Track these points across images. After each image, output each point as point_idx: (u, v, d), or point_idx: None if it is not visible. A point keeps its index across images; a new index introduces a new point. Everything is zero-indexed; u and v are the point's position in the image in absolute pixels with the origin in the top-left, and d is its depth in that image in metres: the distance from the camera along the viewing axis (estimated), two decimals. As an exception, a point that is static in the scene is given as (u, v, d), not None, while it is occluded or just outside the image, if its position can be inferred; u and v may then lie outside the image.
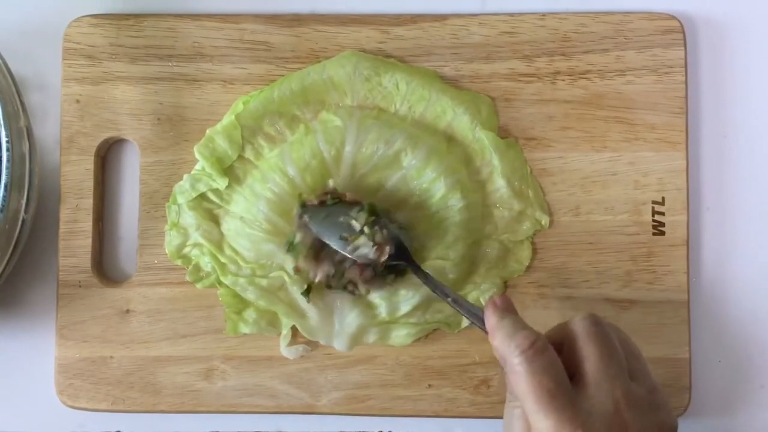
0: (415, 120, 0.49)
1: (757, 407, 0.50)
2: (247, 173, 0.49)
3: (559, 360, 0.39)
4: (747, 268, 0.50)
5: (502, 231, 0.49)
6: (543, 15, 0.50)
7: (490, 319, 0.41)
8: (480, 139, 0.48)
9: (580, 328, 0.40)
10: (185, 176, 0.49)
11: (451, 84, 0.49)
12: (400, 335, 0.48)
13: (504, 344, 0.40)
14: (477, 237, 0.48)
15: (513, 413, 0.40)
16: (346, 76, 0.48)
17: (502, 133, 0.49)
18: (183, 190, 0.48)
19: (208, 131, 0.49)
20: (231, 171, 0.48)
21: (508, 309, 0.42)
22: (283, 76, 0.49)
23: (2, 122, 0.43)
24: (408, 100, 0.49)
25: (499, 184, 0.48)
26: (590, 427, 0.38)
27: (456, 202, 0.47)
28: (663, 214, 0.49)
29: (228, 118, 0.49)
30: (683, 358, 0.48)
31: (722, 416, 0.50)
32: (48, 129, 0.50)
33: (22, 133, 0.44)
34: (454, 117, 0.48)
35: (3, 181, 0.42)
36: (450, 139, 0.49)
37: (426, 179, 0.47)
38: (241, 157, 0.48)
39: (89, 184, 0.49)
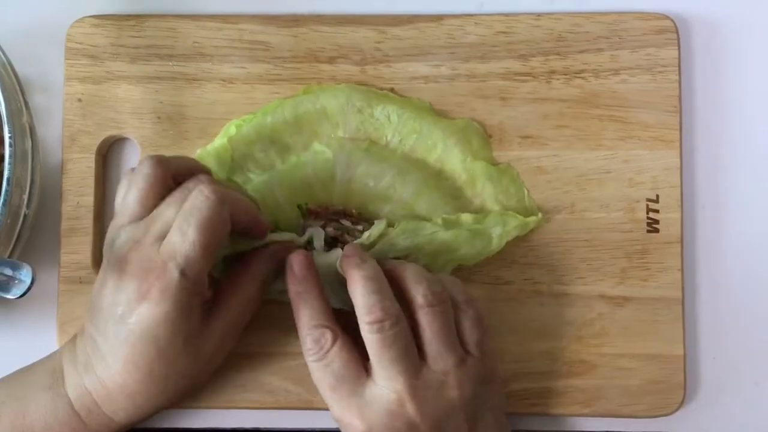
0: (405, 153, 0.49)
1: (751, 404, 0.50)
2: None
3: (345, 356, 0.42)
4: (741, 266, 0.50)
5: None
6: (538, 15, 0.50)
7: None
8: (471, 169, 0.49)
9: (361, 316, 0.42)
10: None
11: (443, 115, 0.50)
12: None
13: (301, 333, 0.43)
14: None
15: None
16: (339, 107, 0.49)
17: (498, 132, 0.50)
18: None
19: (198, 151, 0.49)
20: None
21: (306, 278, 0.44)
22: (280, 75, 0.50)
23: (6, 119, 0.43)
24: (399, 132, 0.49)
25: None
26: (369, 415, 0.41)
27: (445, 235, 0.47)
28: (657, 211, 0.49)
29: (219, 141, 0.49)
30: (677, 355, 0.48)
31: (716, 413, 0.50)
32: (50, 127, 0.51)
33: (24, 130, 0.45)
34: (445, 149, 0.49)
35: (5, 177, 0.43)
36: (440, 172, 0.49)
37: (415, 214, 0.48)
38: (229, 179, 0.49)
39: (90, 181, 0.50)
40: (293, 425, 0.50)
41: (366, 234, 0.46)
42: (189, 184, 0.43)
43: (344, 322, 0.44)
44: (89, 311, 0.44)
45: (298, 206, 0.48)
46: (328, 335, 0.42)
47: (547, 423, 0.49)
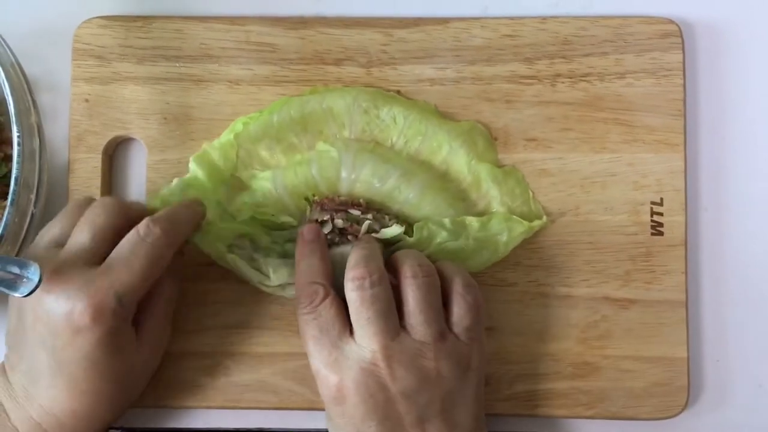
0: (410, 155, 0.49)
1: (755, 407, 0.50)
2: (235, 195, 0.49)
3: (333, 312, 0.43)
4: (744, 269, 0.50)
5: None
6: (544, 19, 0.51)
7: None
8: (476, 171, 0.49)
9: (348, 279, 0.43)
10: (175, 181, 0.49)
11: (448, 117, 0.50)
12: None
13: (296, 288, 0.45)
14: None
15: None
16: (345, 107, 0.49)
17: (503, 134, 0.50)
18: (171, 193, 0.48)
19: (204, 145, 0.50)
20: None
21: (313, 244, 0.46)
22: (287, 77, 0.50)
23: (14, 118, 0.44)
24: (405, 134, 0.49)
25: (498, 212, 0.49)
26: (345, 387, 0.42)
27: (454, 245, 0.47)
28: (661, 214, 0.49)
29: (226, 137, 0.49)
30: (681, 357, 0.48)
31: (720, 416, 0.50)
32: (58, 127, 0.51)
33: (33, 129, 0.45)
34: (450, 151, 0.49)
35: (14, 175, 0.43)
36: (445, 174, 0.49)
37: (421, 215, 0.48)
38: (233, 176, 0.49)
39: (97, 181, 0.50)
40: (297, 425, 0.50)
41: (383, 230, 0.47)
42: (96, 208, 0.44)
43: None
44: (11, 342, 0.44)
45: (305, 198, 0.49)
46: (321, 292, 0.44)
47: (550, 425, 0.49)
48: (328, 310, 0.43)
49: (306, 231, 0.46)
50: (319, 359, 0.43)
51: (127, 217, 0.44)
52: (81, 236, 0.43)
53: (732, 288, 0.50)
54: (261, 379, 0.49)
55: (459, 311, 0.44)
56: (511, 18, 0.51)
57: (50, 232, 0.45)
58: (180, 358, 0.49)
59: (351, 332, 0.43)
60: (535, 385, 0.49)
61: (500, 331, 0.49)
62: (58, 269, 0.42)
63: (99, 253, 0.43)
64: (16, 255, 0.46)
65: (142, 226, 0.43)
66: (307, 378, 0.49)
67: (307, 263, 0.45)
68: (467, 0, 0.52)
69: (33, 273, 0.39)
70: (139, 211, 0.45)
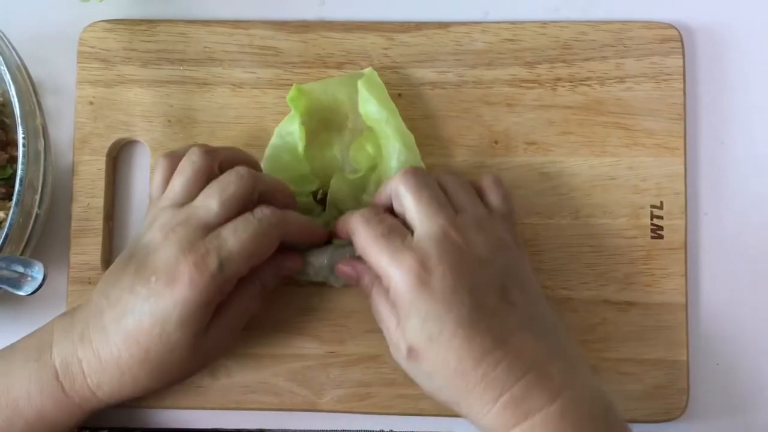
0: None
1: (755, 410, 0.50)
2: None
3: (392, 218, 0.44)
4: (744, 272, 0.50)
5: None
6: (544, 23, 0.51)
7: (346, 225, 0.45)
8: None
9: (394, 188, 0.45)
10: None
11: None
12: None
13: (351, 222, 0.44)
14: None
15: (376, 299, 0.44)
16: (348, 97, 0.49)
17: (504, 138, 0.50)
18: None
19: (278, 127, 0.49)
20: None
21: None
22: (290, 80, 0.51)
23: (20, 120, 0.44)
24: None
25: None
26: (428, 260, 0.41)
27: None
28: (661, 218, 0.50)
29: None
30: (681, 360, 0.49)
31: (720, 419, 0.50)
32: (62, 130, 0.52)
33: (38, 131, 0.46)
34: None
35: (18, 177, 0.43)
36: None
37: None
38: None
39: (101, 183, 0.51)
40: (298, 427, 0.50)
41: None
42: (231, 176, 0.44)
43: None
44: (103, 283, 0.44)
45: (313, 193, 0.49)
46: (385, 214, 0.45)
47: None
48: (394, 219, 0.44)
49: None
50: (389, 252, 0.42)
51: (254, 190, 0.45)
52: (209, 201, 0.43)
53: (732, 291, 0.50)
54: (262, 380, 0.49)
55: (495, 199, 0.47)
56: (512, 22, 0.51)
57: (172, 191, 0.45)
58: (182, 358, 0.49)
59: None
60: (535, 388, 0.49)
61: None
62: (182, 223, 0.43)
63: (220, 221, 0.43)
64: (20, 254, 0.46)
65: (258, 209, 0.44)
66: (308, 379, 0.49)
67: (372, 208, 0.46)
68: (468, 4, 0.52)
69: (37, 272, 0.40)
70: (267, 184, 0.46)
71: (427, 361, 0.42)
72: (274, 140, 0.49)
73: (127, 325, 0.42)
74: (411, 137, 0.48)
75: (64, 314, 0.46)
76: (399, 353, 0.43)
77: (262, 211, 0.44)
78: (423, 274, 0.41)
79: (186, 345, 0.43)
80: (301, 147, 0.48)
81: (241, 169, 0.45)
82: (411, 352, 0.42)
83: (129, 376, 0.43)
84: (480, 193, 0.47)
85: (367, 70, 0.49)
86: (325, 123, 0.50)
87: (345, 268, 0.46)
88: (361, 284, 0.46)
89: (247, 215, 0.44)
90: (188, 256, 0.42)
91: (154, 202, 0.46)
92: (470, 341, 0.41)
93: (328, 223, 0.48)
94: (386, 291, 0.43)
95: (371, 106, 0.47)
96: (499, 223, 0.45)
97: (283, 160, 0.49)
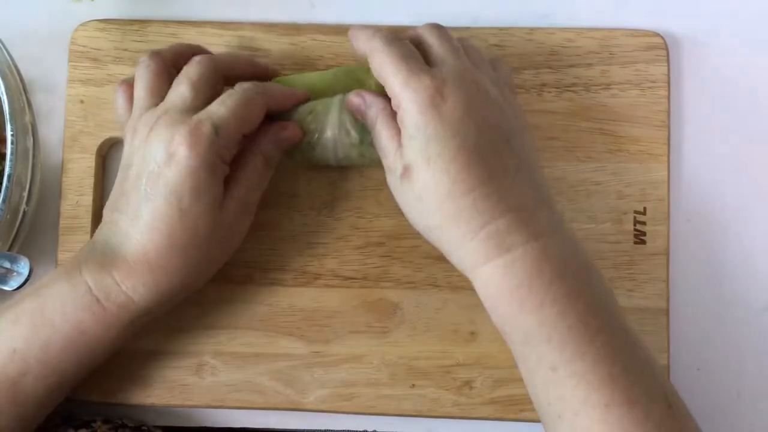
0: None
1: (735, 415, 0.50)
2: None
3: (412, 45, 0.44)
4: (726, 278, 0.51)
5: None
6: (531, 29, 0.52)
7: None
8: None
9: (421, 32, 0.46)
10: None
11: None
12: None
13: (364, 37, 0.45)
14: None
15: (379, 126, 0.44)
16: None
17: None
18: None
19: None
20: None
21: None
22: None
23: (9, 117, 0.45)
24: None
25: None
26: (444, 87, 0.42)
27: None
28: (644, 223, 0.50)
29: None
30: (662, 364, 0.49)
31: (700, 423, 0.50)
32: (53, 128, 0.52)
33: (27, 128, 0.46)
34: None
35: (6, 174, 0.44)
36: None
37: None
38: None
39: (90, 181, 0.51)
40: (282, 426, 0.50)
41: None
42: (190, 65, 0.46)
43: None
44: (108, 205, 0.45)
45: None
46: (406, 40, 0.45)
47: (535, 429, 0.50)
48: (409, 44, 0.45)
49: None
50: (404, 80, 0.42)
51: (218, 70, 0.46)
52: (180, 88, 0.44)
53: (713, 297, 0.51)
54: (247, 379, 0.49)
55: (501, 70, 0.47)
56: (500, 28, 0.52)
57: (140, 99, 0.46)
58: (167, 357, 0.50)
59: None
60: (518, 390, 0.49)
61: (483, 336, 0.49)
62: (162, 115, 0.43)
63: (197, 104, 0.44)
64: (8, 251, 0.46)
65: (238, 84, 0.45)
66: (293, 379, 0.49)
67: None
68: (458, 10, 0.53)
69: (23, 267, 0.40)
70: (227, 60, 0.47)
71: (419, 181, 0.42)
72: None
73: (144, 218, 0.43)
74: None
75: (84, 245, 0.46)
76: (394, 176, 0.43)
77: (243, 84, 0.45)
78: (437, 98, 0.42)
79: (206, 219, 0.43)
80: None
81: (196, 57, 0.46)
82: (406, 170, 0.42)
83: (160, 270, 0.43)
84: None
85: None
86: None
87: (354, 99, 0.46)
88: (366, 116, 0.45)
89: (230, 90, 0.45)
90: (180, 129, 0.42)
91: (130, 119, 0.46)
92: (467, 168, 0.41)
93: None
94: (392, 117, 0.44)
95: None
96: (507, 85, 0.47)
97: None
